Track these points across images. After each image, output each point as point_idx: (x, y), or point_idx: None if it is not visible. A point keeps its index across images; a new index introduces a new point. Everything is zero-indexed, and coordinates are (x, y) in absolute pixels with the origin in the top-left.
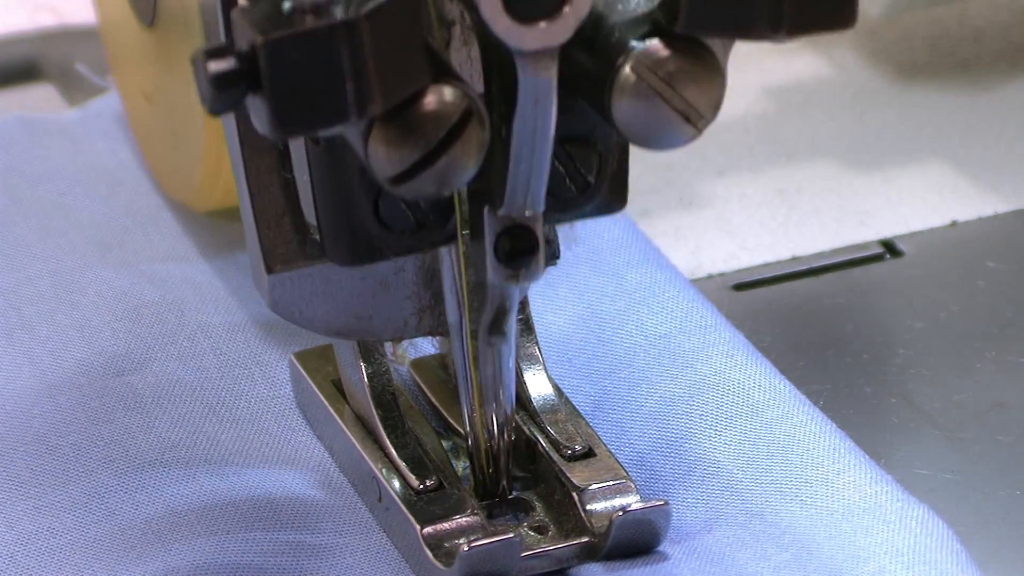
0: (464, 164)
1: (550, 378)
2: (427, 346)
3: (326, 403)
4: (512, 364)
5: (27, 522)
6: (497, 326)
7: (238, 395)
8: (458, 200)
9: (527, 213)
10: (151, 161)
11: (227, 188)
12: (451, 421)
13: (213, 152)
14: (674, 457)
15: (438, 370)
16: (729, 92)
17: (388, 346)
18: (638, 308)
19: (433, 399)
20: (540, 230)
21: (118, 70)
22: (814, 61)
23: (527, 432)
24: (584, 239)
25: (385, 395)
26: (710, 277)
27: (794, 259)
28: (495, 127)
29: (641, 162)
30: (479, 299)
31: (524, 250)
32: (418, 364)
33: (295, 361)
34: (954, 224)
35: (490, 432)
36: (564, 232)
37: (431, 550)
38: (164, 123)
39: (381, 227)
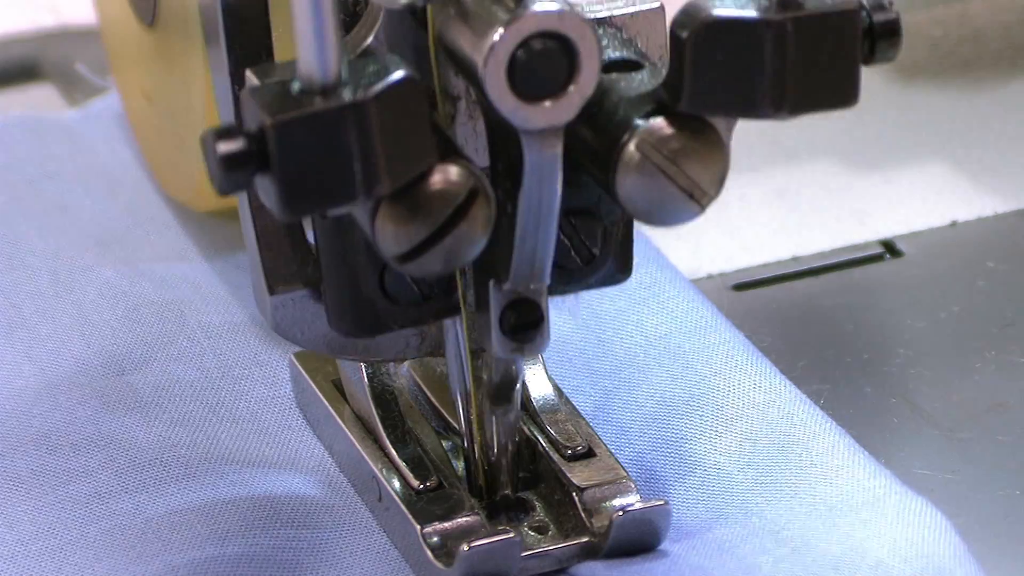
0: (471, 242)
1: (550, 378)
2: None
3: (326, 403)
4: (516, 425)
5: (27, 522)
6: (502, 396)
7: (238, 395)
8: (459, 275)
9: (532, 287)
10: (151, 161)
11: None
12: (451, 421)
13: None
14: (674, 457)
15: (438, 370)
16: None
17: None
18: (638, 308)
19: (433, 399)
20: (545, 303)
21: (118, 70)
22: None
23: (527, 432)
24: None
25: (385, 395)
26: (710, 277)
27: (794, 259)
28: (500, 203)
29: None
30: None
31: (529, 323)
32: (418, 364)
33: (295, 361)
34: (954, 224)
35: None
36: (568, 302)
37: (431, 550)
38: (164, 123)
39: (386, 300)
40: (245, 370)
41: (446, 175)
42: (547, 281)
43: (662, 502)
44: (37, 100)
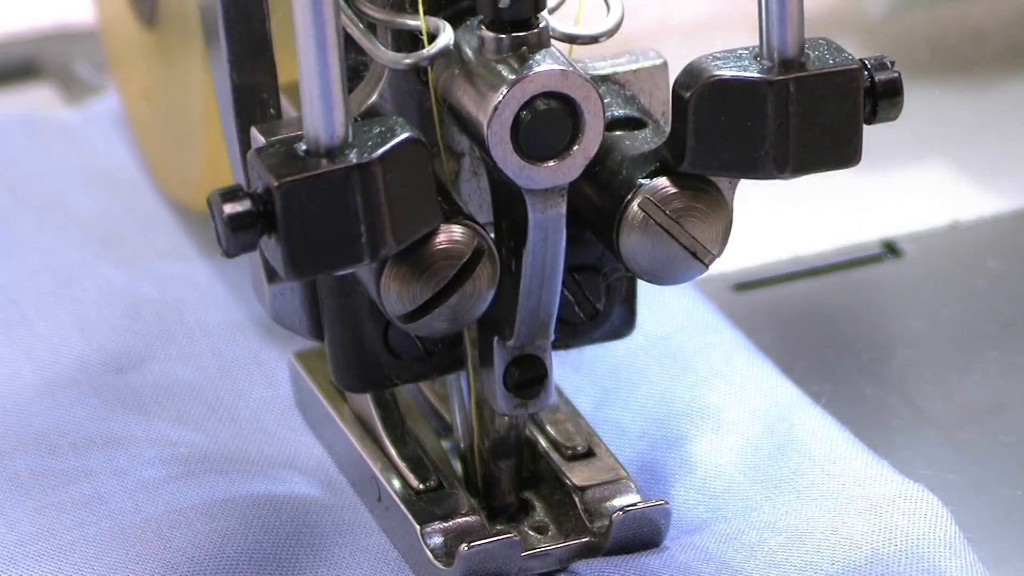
0: (475, 300)
1: None
2: None
3: (326, 403)
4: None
5: (27, 523)
6: (505, 451)
7: (238, 395)
8: (467, 331)
9: (536, 343)
10: (150, 161)
11: None
12: (451, 422)
13: (212, 152)
14: (674, 457)
15: None
16: None
17: None
18: (638, 308)
19: (433, 399)
20: (549, 360)
21: (117, 70)
22: None
23: (527, 432)
24: None
25: (385, 395)
26: (710, 277)
27: (794, 259)
28: (505, 261)
29: None
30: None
31: (533, 380)
32: None
33: (295, 361)
34: (955, 224)
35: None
36: (572, 356)
37: (431, 550)
38: (163, 123)
39: (390, 355)
40: (245, 370)
41: (451, 235)
42: (552, 338)
43: (662, 502)
44: (36, 100)
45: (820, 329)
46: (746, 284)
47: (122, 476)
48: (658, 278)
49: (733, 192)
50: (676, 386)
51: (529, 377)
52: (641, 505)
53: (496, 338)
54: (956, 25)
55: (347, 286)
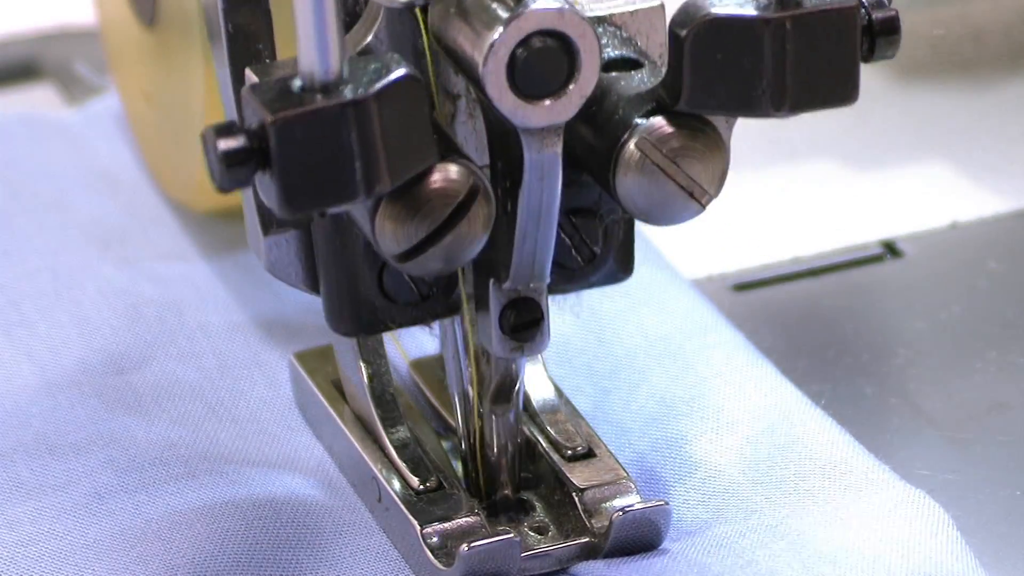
0: (470, 241)
1: (550, 378)
2: (428, 346)
3: (326, 403)
4: (517, 425)
5: (27, 524)
6: (503, 396)
7: (238, 395)
8: (462, 274)
9: (532, 286)
10: (150, 161)
11: None
12: (451, 421)
13: None
14: (674, 457)
15: (438, 370)
16: None
17: (389, 344)
18: (638, 308)
19: (433, 399)
20: (545, 302)
21: (118, 70)
22: None
23: (527, 432)
24: None
25: (385, 395)
26: (710, 277)
27: (794, 259)
28: (500, 202)
29: None
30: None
31: (529, 322)
32: (418, 364)
33: (295, 361)
34: (954, 224)
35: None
36: (570, 301)
37: (431, 550)
38: (163, 123)
39: (385, 299)
40: (245, 370)
41: (446, 174)
42: (547, 280)
43: (662, 502)
44: (37, 100)
45: (820, 329)
46: (746, 284)
47: (122, 476)
48: (655, 219)
49: (730, 132)
50: (676, 386)
51: (525, 320)
52: (641, 506)
53: (492, 280)
54: (956, 25)
55: (342, 229)
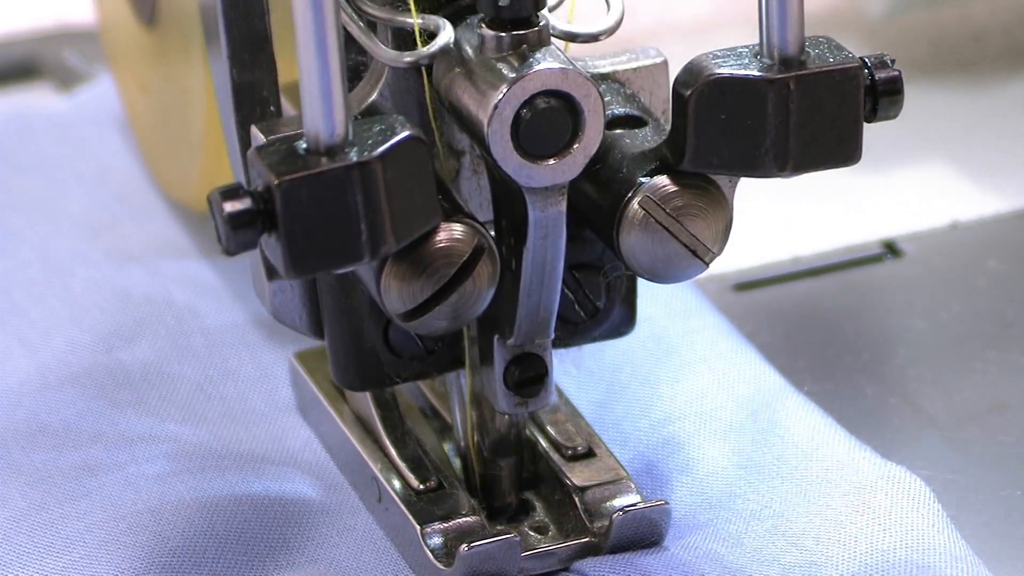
0: (476, 299)
1: None
2: None
3: (326, 403)
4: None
5: (19, 499)
6: (505, 450)
7: (238, 395)
8: (466, 327)
9: (536, 341)
10: (150, 161)
11: None
12: (451, 422)
13: (212, 152)
14: (674, 457)
15: None
16: None
17: None
18: (639, 309)
19: (433, 399)
20: (549, 358)
21: (117, 70)
22: None
23: (527, 432)
24: None
25: (385, 395)
26: (710, 277)
27: (794, 259)
28: (505, 259)
29: None
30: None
31: (534, 378)
32: None
33: (295, 361)
34: (955, 224)
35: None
36: (572, 353)
37: (431, 550)
38: (163, 123)
39: (391, 353)
40: (245, 370)
41: (451, 233)
42: (551, 337)
43: (662, 502)
44: (36, 100)
45: (820, 329)
46: (746, 284)
47: (112, 452)
48: (658, 276)
49: (733, 190)
50: (676, 386)
51: (529, 375)
52: (641, 505)
53: (496, 336)
54: (956, 25)
55: (347, 284)
